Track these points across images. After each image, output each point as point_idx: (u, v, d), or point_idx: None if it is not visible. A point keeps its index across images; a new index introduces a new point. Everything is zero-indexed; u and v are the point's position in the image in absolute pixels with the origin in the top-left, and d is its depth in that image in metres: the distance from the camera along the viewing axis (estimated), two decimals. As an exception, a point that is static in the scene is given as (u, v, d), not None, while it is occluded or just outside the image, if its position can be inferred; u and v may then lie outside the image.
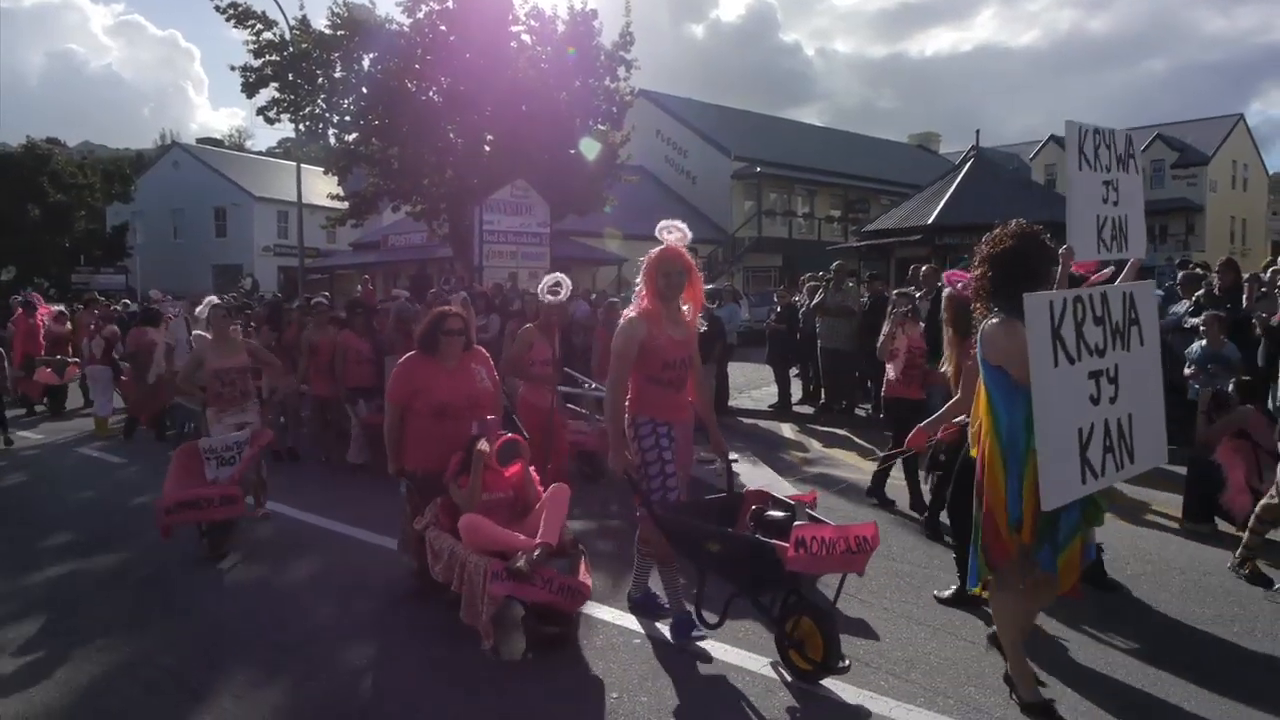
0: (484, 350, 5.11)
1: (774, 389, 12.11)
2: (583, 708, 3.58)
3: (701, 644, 4.09)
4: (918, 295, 8.35)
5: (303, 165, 23.04)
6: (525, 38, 16.24)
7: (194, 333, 6.71)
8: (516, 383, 6.36)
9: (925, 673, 3.82)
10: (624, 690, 3.70)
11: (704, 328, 4.82)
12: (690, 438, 4.32)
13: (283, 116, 16.67)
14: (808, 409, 11.60)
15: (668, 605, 4.30)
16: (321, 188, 20.11)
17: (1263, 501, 5.04)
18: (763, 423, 11.26)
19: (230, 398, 6.16)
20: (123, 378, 11.79)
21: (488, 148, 16.33)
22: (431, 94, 15.93)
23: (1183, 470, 6.14)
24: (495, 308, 11.30)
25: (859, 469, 8.28)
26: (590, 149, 16.48)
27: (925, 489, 6.48)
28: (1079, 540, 3.26)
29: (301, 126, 17.53)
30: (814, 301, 11.23)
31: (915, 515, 6.36)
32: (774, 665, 3.83)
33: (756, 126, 39.70)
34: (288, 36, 16.11)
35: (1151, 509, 6.56)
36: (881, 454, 6.16)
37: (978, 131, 20.89)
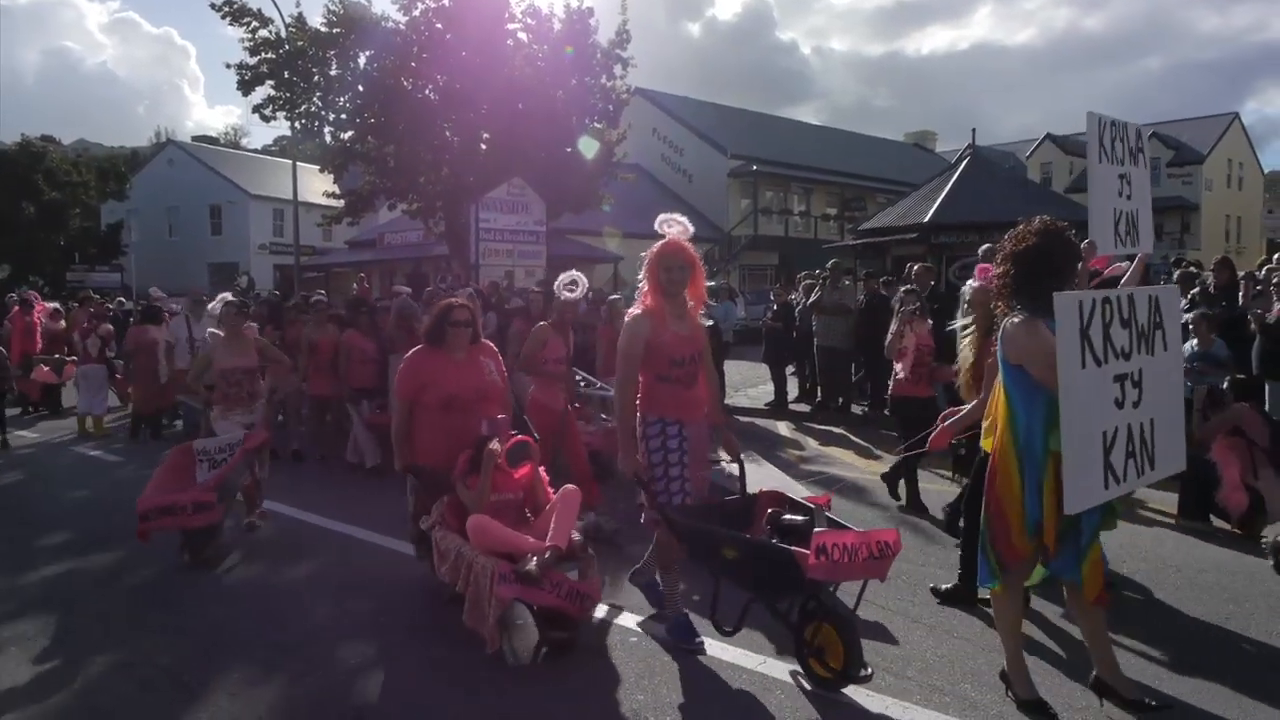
0: (492, 344, 5.02)
1: (770, 387, 12.13)
2: (582, 707, 3.58)
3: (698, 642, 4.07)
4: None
5: (298, 163, 22.99)
6: (521, 36, 16.24)
7: (208, 331, 6.62)
8: (526, 382, 6.30)
9: (921, 670, 3.84)
10: (622, 689, 3.70)
11: (710, 323, 4.76)
12: (705, 436, 4.21)
13: (278, 114, 16.69)
14: (804, 407, 11.62)
15: (664, 600, 4.25)
16: (317, 185, 20.07)
17: None
18: (759, 421, 11.28)
19: (237, 398, 6.09)
20: (118, 376, 11.76)
21: (484, 146, 16.33)
22: (428, 92, 15.91)
23: (1178, 468, 6.16)
24: (492, 305, 11.31)
25: (855, 467, 8.30)
26: (589, 148, 16.49)
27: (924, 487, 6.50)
28: (1099, 545, 3.21)
29: (297, 124, 17.50)
30: (810, 300, 11.26)
31: (912, 514, 6.38)
32: (794, 674, 3.73)
33: (753, 125, 39.71)
34: (283, 34, 16.09)
35: (1147, 506, 6.58)
36: (901, 452, 6.12)
37: (974, 130, 20.96)
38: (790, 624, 3.74)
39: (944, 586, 4.68)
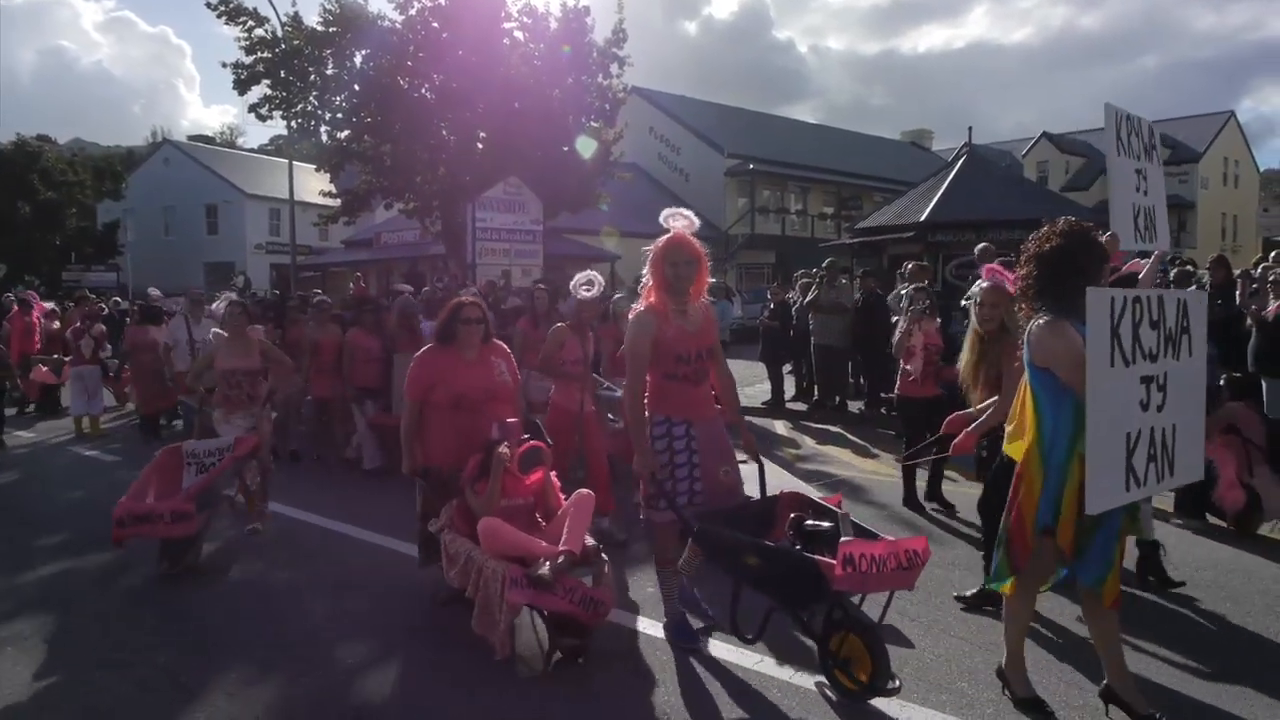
0: (504, 345, 4.89)
1: (767, 386, 12.14)
2: (582, 708, 3.58)
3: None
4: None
5: (295, 162, 22.96)
6: (518, 34, 16.22)
7: (212, 331, 6.54)
8: (533, 383, 6.21)
9: (918, 668, 3.84)
10: (623, 690, 3.71)
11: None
12: (719, 435, 4.08)
13: (275, 113, 16.66)
14: (801, 406, 11.64)
15: (706, 611, 4.21)
16: (314, 185, 20.01)
17: None
18: (756, 420, 11.27)
19: (238, 400, 6.02)
20: (110, 375, 11.72)
21: (480, 145, 16.30)
22: (424, 91, 15.88)
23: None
24: (489, 305, 11.29)
25: (852, 466, 8.31)
26: (586, 147, 16.46)
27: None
28: (1119, 551, 3.19)
29: (293, 123, 17.46)
30: (807, 298, 11.26)
31: (908, 514, 6.39)
32: (819, 685, 3.63)
33: (750, 124, 39.70)
34: (279, 33, 16.07)
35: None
36: (903, 460, 6.08)
37: (970, 128, 20.89)
38: (814, 634, 3.62)
39: (968, 593, 4.60)
